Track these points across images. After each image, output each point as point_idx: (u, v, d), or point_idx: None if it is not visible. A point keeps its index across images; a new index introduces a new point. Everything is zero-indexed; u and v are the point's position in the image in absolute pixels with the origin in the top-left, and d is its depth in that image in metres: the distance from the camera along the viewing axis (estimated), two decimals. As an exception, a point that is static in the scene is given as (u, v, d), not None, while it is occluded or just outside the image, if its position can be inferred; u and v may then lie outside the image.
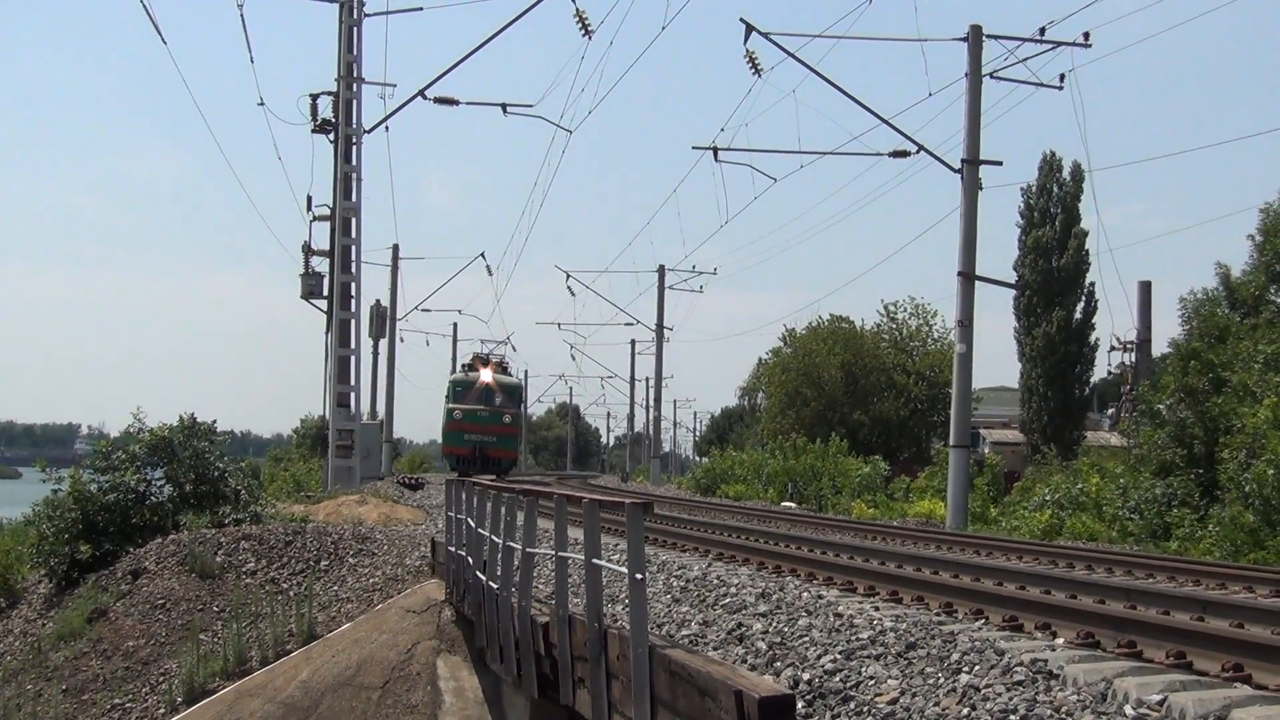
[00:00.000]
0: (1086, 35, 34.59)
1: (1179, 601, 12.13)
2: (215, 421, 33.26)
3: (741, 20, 35.23)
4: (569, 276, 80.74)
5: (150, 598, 25.65)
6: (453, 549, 19.20)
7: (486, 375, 64.40)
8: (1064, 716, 7.35)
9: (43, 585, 29.77)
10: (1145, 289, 55.70)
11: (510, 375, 70.40)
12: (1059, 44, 34.55)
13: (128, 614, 25.37)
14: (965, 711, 7.75)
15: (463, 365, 70.46)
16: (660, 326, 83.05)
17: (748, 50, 34.88)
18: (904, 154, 36.48)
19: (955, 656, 8.80)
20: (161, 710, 21.27)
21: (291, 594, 24.50)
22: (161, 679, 22.41)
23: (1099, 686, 7.72)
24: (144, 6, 40.14)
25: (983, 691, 8.00)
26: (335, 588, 24.46)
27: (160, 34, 44.24)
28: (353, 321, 42.49)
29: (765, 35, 34.79)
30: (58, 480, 31.19)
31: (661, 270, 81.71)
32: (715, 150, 38.37)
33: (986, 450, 62.62)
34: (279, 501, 36.27)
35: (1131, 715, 7.20)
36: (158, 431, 32.17)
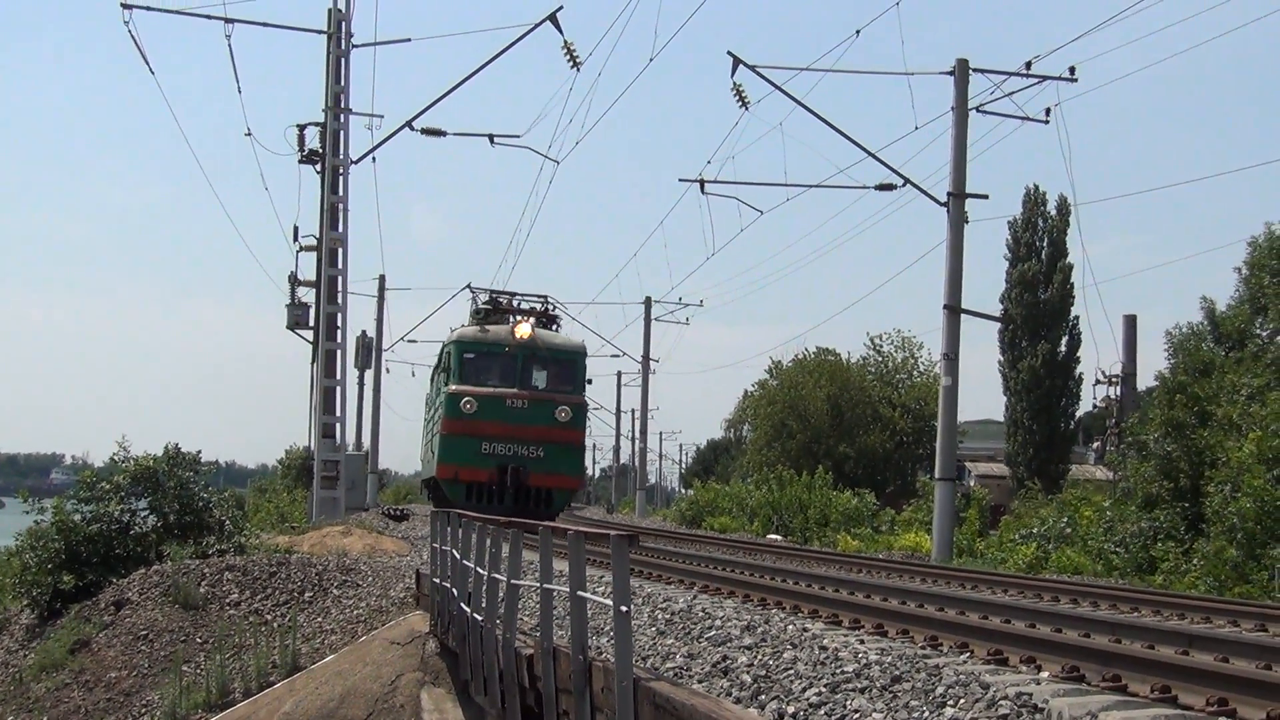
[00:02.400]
0: (1072, 70, 34.74)
1: (1164, 635, 12.15)
2: (200, 451, 33.29)
3: (729, 53, 35.24)
4: (556, 308, 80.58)
5: (133, 629, 25.59)
6: (437, 580, 19.19)
7: (525, 329, 36.78)
8: (1049, 751, 7.36)
9: (25, 615, 29.73)
10: (1130, 323, 55.87)
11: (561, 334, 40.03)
12: (1045, 78, 34.73)
13: (110, 645, 25.31)
14: (950, 746, 7.75)
15: (474, 314, 39.93)
16: (646, 358, 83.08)
17: (735, 83, 35.00)
18: (890, 187, 36.61)
19: (940, 690, 8.80)
20: (144, 742, 21.22)
21: (275, 625, 24.46)
22: (144, 710, 22.36)
23: (1083, 720, 7.73)
24: (131, 36, 39.82)
25: (968, 724, 8.01)
26: (319, 619, 24.43)
27: (148, 64, 44.28)
28: (338, 352, 42.38)
29: (752, 68, 34.91)
30: (40, 510, 31.17)
31: (648, 302, 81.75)
32: (702, 182, 38.51)
33: (972, 483, 62.63)
34: (263, 532, 36.25)
35: (1117, 750, 7.22)
36: (142, 461, 32.17)
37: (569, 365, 37.61)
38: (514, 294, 40.33)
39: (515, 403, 35.82)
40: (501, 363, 36.62)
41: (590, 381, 37.77)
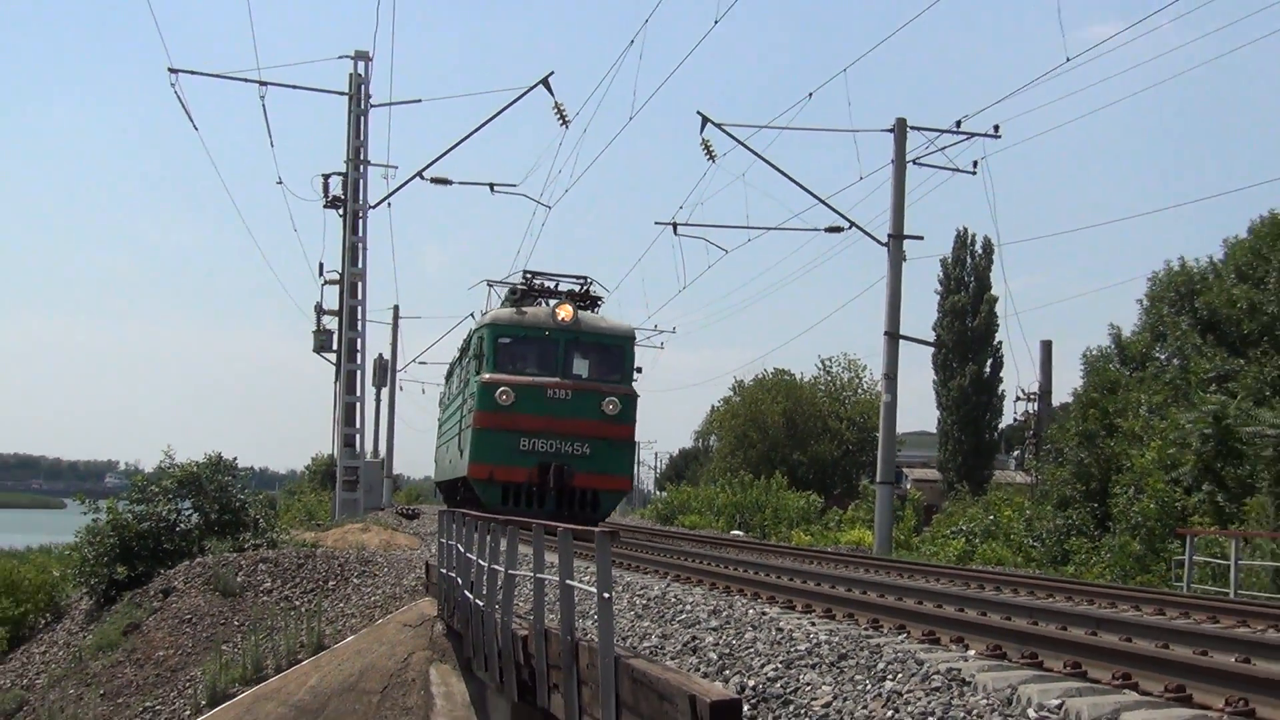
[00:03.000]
0: (996, 128, 34.79)
1: (1075, 619, 12.15)
2: (236, 459, 33.22)
3: (699, 113, 35.23)
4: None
5: (179, 613, 25.53)
6: (444, 571, 19.11)
7: (568, 310, 29.82)
8: (975, 718, 7.36)
9: (84, 602, 29.67)
10: (1046, 347, 55.96)
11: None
12: (973, 135, 34.80)
13: (159, 627, 25.24)
14: (889, 714, 7.74)
15: (509, 293, 32.55)
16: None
17: (704, 139, 34.99)
18: (838, 229, 36.61)
19: (881, 665, 8.80)
20: (187, 713, 21.12)
21: (303, 610, 24.38)
22: (188, 685, 22.28)
23: (1005, 692, 7.73)
24: (177, 96, 39.82)
25: (905, 696, 8.00)
26: (341, 605, 24.35)
27: (191, 120, 44.06)
28: (358, 372, 42.31)
29: (719, 126, 34.95)
30: (97, 511, 31.13)
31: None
32: (675, 225, 38.48)
33: (908, 486, 62.75)
34: (292, 529, 36.08)
35: (1034, 717, 7.22)
36: (186, 467, 32.10)
37: (616, 351, 29.96)
38: (552, 274, 31.79)
39: (558, 393, 28.34)
40: (541, 348, 29.11)
41: (640, 370, 30.33)
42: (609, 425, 28.72)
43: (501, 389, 28.04)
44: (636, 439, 31.63)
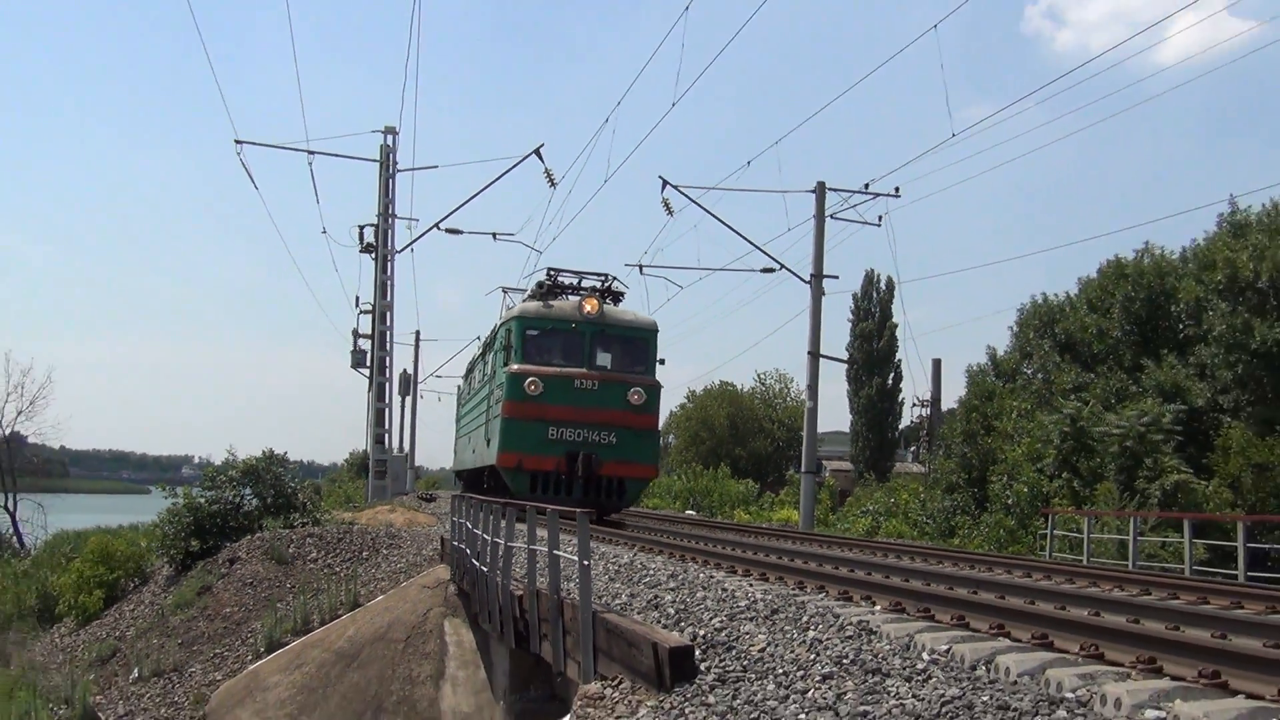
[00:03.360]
0: (897, 189, 34.88)
1: (960, 580, 12.22)
2: (287, 453, 33.21)
3: (660, 177, 35.22)
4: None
5: (242, 578, 25.50)
6: (455, 543, 19.12)
7: (594, 304, 26.25)
8: (880, 660, 7.40)
9: (165, 569, 29.64)
10: (936, 364, 56.31)
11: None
12: (878, 195, 34.94)
13: (225, 589, 25.19)
14: (812, 657, 7.78)
15: (536, 287, 28.01)
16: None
17: (664, 197, 34.96)
18: (771, 270, 36.64)
19: (805, 618, 8.83)
20: (249, 657, 21.09)
21: (342, 575, 24.36)
22: (249, 635, 22.25)
23: (904, 639, 7.78)
24: (241, 163, 39.84)
25: (824, 643, 8.04)
26: (373, 571, 24.32)
27: (253, 181, 44.71)
28: (386, 384, 42.23)
29: (675, 187, 34.93)
30: (175, 496, 31.25)
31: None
32: (640, 266, 38.47)
33: (827, 475, 62.81)
34: (333, 510, 36.05)
35: (927, 659, 7.26)
36: (247, 461, 32.22)
37: (640, 344, 26.02)
38: (575, 271, 27.32)
39: (585, 384, 24.82)
40: (568, 341, 25.39)
41: (663, 362, 26.21)
42: (634, 415, 24.96)
43: (530, 379, 24.39)
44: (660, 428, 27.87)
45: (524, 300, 26.83)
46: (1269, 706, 5.50)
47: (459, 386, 44.23)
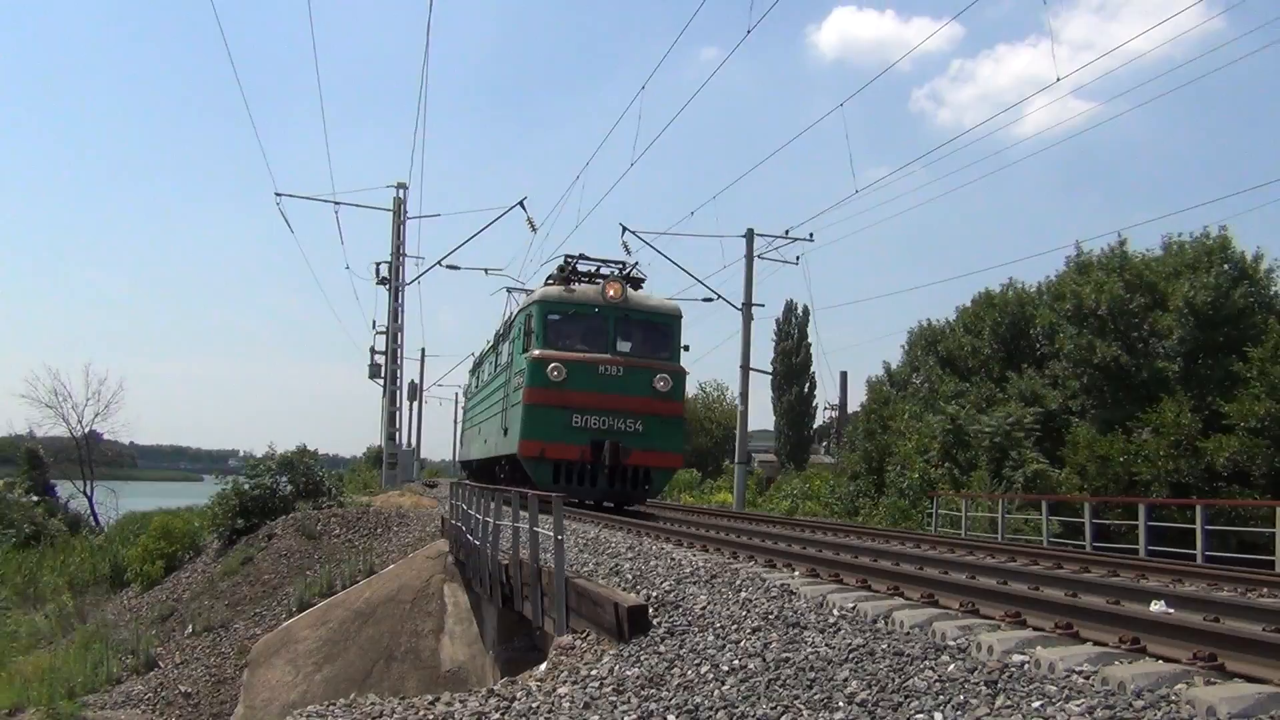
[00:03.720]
0: (811, 234, 35.45)
1: (863, 551, 12.22)
2: (317, 449, 33.28)
3: (620, 224, 34.92)
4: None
5: (278, 550, 25.21)
6: (453, 522, 18.97)
7: (618, 288, 21.08)
8: (799, 616, 7.37)
9: (215, 544, 29.35)
10: (843, 376, 56.92)
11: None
12: (796, 239, 35.01)
13: (265, 560, 24.91)
14: (744, 613, 7.74)
15: (558, 271, 22.10)
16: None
17: (623, 240, 34.70)
18: (710, 299, 36.57)
19: (738, 582, 8.80)
20: (283, 615, 20.81)
21: (360, 548, 24.11)
22: (284, 597, 21.98)
23: (819, 599, 7.75)
24: (280, 212, 39.48)
25: (754, 601, 8.00)
26: (385, 544, 24.09)
27: (290, 227, 44.69)
28: (397, 392, 42.11)
29: (633, 232, 34.54)
30: (224, 483, 31.14)
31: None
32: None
33: (756, 466, 62.86)
34: (354, 495, 35.79)
35: (837, 615, 7.24)
36: (284, 455, 32.13)
37: (665, 329, 21.25)
38: (593, 259, 22.29)
39: (609, 369, 20.15)
40: (590, 325, 20.64)
41: (687, 349, 21.37)
42: (660, 402, 20.40)
43: (553, 365, 19.89)
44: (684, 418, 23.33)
45: (543, 285, 21.88)
46: (1111, 651, 5.50)
47: (466, 383, 38.52)
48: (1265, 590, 9.23)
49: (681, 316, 21.46)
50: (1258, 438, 25.81)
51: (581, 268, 22.02)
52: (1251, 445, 25.77)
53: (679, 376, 20.76)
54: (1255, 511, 22.10)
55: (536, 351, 20.13)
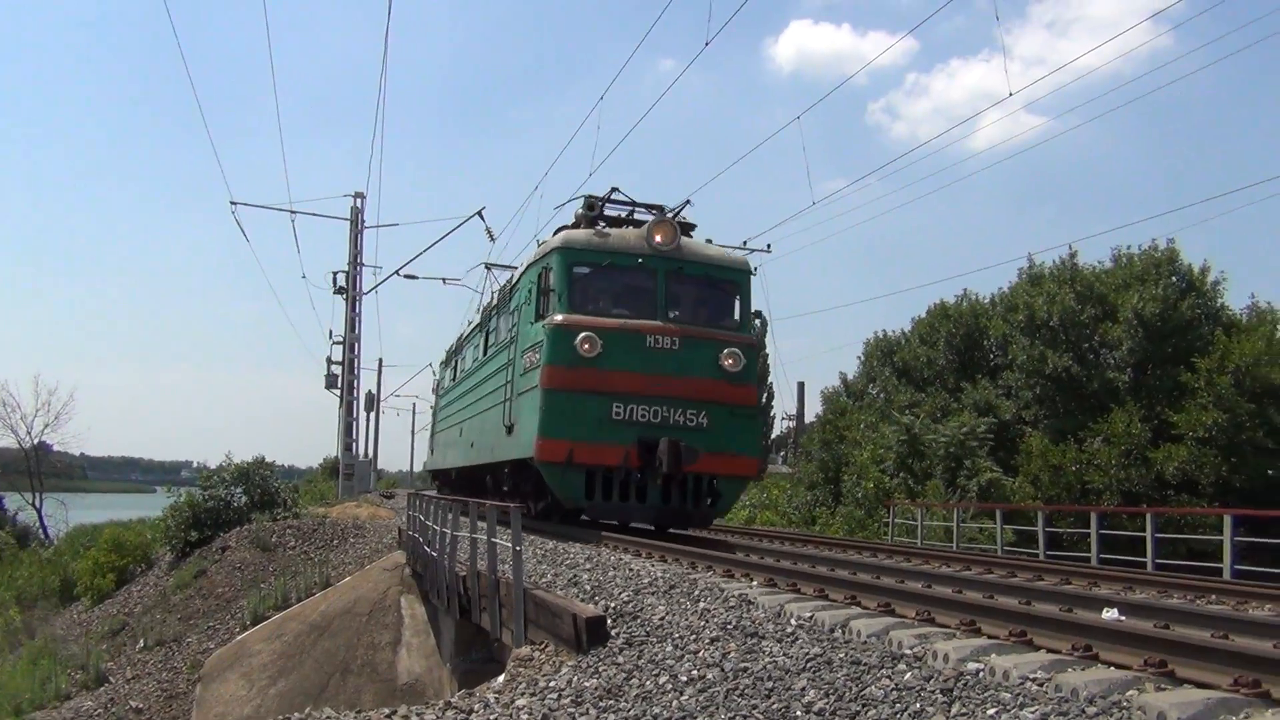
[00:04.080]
0: (769, 245, 34.74)
1: (820, 560, 12.27)
2: (275, 461, 33.05)
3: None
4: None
5: (233, 563, 24.88)
6: (410, 533, 18.82)
7: (667, 231, 14.27)
8: (757, 625, 7.38)
9: (168, 556, 29.00)
10: (801, 386, 56.89)
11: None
12: (754, 250, 34.70)
13: (219, 572, 24.58)
14: (702, 623, 7.74)
15: (585, 208, 15.27)
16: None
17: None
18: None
19: (696, 592, 8.80)
20: (237, 629, 20.53)
21: (316, 560, 23.85)
22: (238, 610, 21.68)
23: (776, 608, 7.77)
24: (236, 221, 39.32)
25: (712, 611, 8.00)
26: (342, 556, 23.84)
27: (246, 236, 43.74)
28: (354, 402, 41.77)
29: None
30: (177, 495, 30.68)
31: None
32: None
33: (715, 475, 63.05)
34: (310, 506, 35.43)
35: (795, 624, 7.25)
36: (239, 465, 31.76)
37: (731, 289, 15.46)
38: (625, 201, 16.28)
39: (661, 341, 14.33)
40: (633, 282, 14.83)
41: (759, 316, 16.00)
42: (730, 386, 14.76)
43: (584, 335, 14.17)
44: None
45: (567, 229, 15.76)
46: (1064, 658, 5.56)
47: (435, 379, 31.79)
48: (1214, 597, 9.40)
49: (752, 273, 15.97)
50: (1205, 447, 26.24)
51: (611, 212, 16.17)
52: (1200, 455, 26.19)
53: (751, 353, 15.27)
54: (1204, 520, 22.46)
55: (559, 317, 14.52)
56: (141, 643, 21.82)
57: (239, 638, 19.59)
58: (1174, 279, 30.72)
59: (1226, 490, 26.00)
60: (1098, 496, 27.06)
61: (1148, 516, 17.95)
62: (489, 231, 36.79)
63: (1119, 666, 5.32)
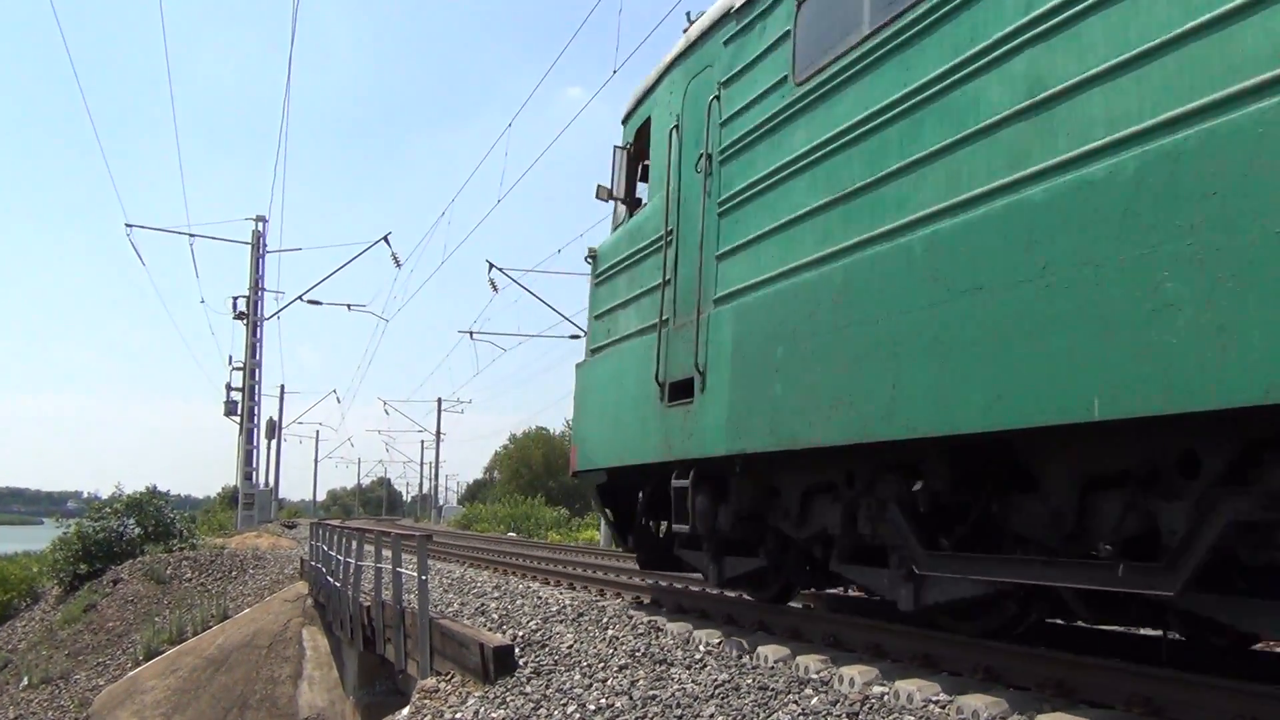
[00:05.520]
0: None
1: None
2: (169, 490, 32.21)
3: (487, 260, 34.20)
4: (386, 404, 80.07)
5: (124, 596, 24.11)
6: (313, 563, 18.45)
7: None
8: (666, 652, 7.37)
9: (55, 590, 27.98)
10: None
11: None
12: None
13: (109, 606, 23.77)
14: (611, 650, 7.71)
15: None
16: (438, 432, 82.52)
17: (490, 278, 34.66)
18: (578, 337, 36.89)
19: (605, 619, 8.77)
20: (129, 665, 19.86)
21: (213, 592, 23.22)
22: (129, 646, 20.99)
23: (685, 635, 7.78)
24: (131, 243, 37.98)
25: (620, 639, 7.98)
26: (241, 587, 23.25)
27: (141, 259, 42.53)
28: (255, 429, 40.90)
29: (500, 269, 34.63)
30: (65, 526, 29.78)
31: (439, 401, 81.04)
32: (471, 333, 38.15)
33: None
34: (207, 537, 34.50)
35: (703, 650, 7.27)
36: (131, 496, 30.93)
37: None
38: None
39: None
40: None
41: None
42: None
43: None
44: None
45: None
46: (966, 681, 5.66)
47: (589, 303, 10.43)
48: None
49: None
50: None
51: None
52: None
53: None
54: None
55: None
56: (25, 680, 20.93)
57: (130, 674, 18.93)
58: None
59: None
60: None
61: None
62: (395, 257, 36.61)
63: (1019, 688, 5.43)
